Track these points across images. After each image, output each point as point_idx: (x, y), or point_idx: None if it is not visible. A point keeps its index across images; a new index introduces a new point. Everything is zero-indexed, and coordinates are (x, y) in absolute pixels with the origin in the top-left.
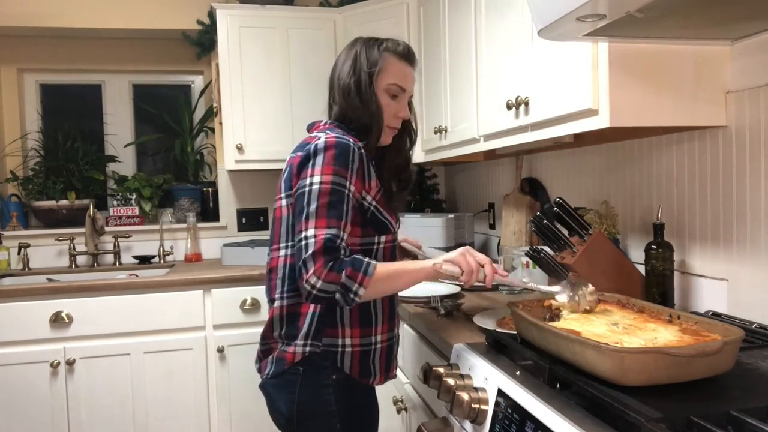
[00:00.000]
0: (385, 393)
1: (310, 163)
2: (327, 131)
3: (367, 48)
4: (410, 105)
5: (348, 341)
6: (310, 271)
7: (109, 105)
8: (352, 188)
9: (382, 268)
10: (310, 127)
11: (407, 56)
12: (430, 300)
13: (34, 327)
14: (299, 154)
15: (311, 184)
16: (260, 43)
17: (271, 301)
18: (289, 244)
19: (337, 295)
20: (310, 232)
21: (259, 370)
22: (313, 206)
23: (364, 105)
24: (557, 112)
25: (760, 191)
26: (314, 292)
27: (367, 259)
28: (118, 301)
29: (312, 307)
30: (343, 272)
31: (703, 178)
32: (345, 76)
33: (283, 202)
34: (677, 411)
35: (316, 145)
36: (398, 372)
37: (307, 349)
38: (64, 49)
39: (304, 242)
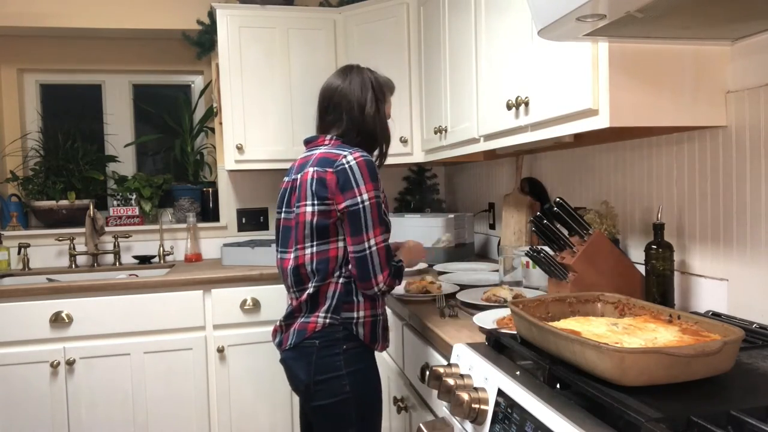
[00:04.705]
0: (385, 393)
1: (353, 182)
2: (343, 147)
3: (377, 80)
4: None
5: (362, 313)
6: (379, 278)
7: (109, 105)
8: (382, 197)
9: (404, 269)
10: (311, 141)
11: (394, 91)
12: (435, 299)
13: (34, 327)
14: (329, 170)
15: (362, 202)
16: (260, 43)
17: (302, 291)
18: (316, 242)
19: (387, 294)
20: (372, 242)
21: (280, 343)
22: (369, 219)
23: (384, 129)
24: (557, 112)
25: (760, 191)
26: (379, 293)
27: (402, 263)
28: (118, 301)
29: (333, 287)
30: (396, 281)
31: (703, 178)
32: (366, 101)
33: (309, 209)
34: (677, 411)
35: (349, 164)
36: (398, 371)
37: (327, 320)
38: (64, 49)
39: (368, 251)
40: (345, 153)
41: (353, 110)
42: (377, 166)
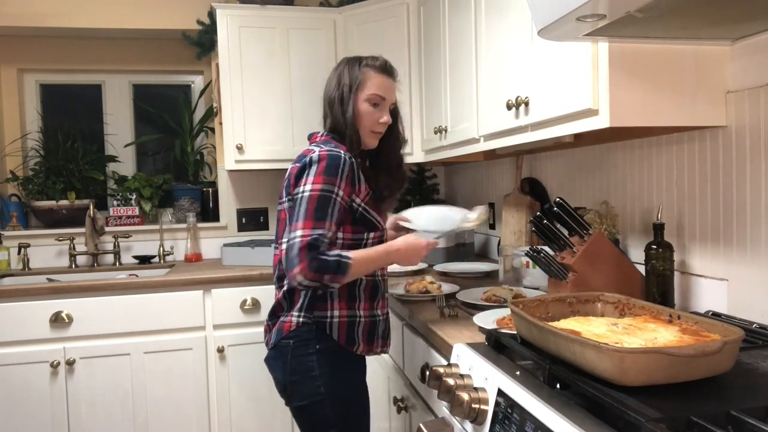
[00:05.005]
0: (385, 393)
1: (305, 174)
2: (321, 144)
3: (350, 66)
4: (396, 113)
5: (336, 313)
6: (295, 270)
7: (109, 105)
8: (341, 193)
9: (356, 263)
10: (310, 137)
11: (384, 69)
12: (435, 299)
13: (34, 327)
14: (297, 165)
15: (302, 192)
16: (260, 43)
17: (281, 287)
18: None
19: (319, 292)
20: (298, 233)
21: (266, 343)
22: (302, 210)
23: (343, 114)
24: (557, 112)
25: (760, 191)
26: (299, 287)
27: (344, 258)
28: (118, 301)
29: None
30: (325, 276)
31: (703, 178)
32: (331, 90)
33: (285, 205)
34: (677, 411)
35: (310, 158)
36: (398, 371)
37: (301, 319)
38: (64, 49)
39: (291, 242)
40: (316, 149)
41: (326, 105)
42: (355, 164)
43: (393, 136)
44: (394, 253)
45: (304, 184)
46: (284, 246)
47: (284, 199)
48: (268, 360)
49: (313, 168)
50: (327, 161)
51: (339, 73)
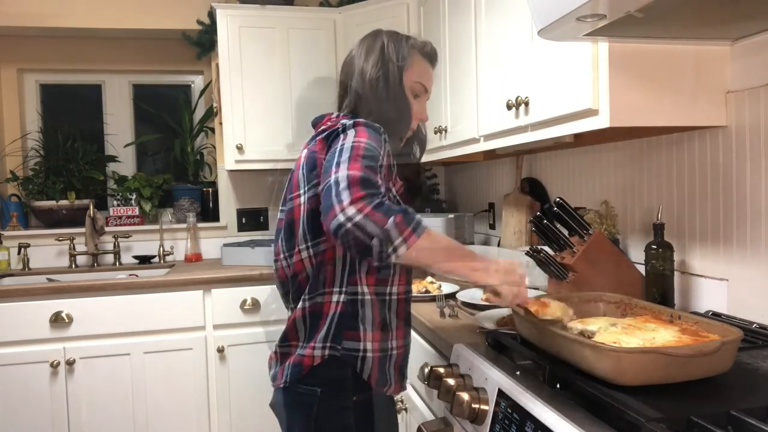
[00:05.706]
0: None
1: (341, 137)
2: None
3: (395, 41)
4: None
5: (369, 345)
6: (346, 202)
7: (109, 105)
8: (384, 163)
9: (435, 234)
10: (318, 121)
11: (431, 56)
12: (435, 299)
13: (34, 327)
14: (319, 138)
15: (343, 144)
16: (260, 43)
17: (294, 302)
18: (311, 243)
19: (374, 241)
20: (342, 173)
21: (274, 378)
22: (345, 156)
23: (393, 99)
24: (557, 112)
25: (760, 191)
26: (348, 225)
27: (418, 215)
28: (118, 301)
29: (333, 307)
30: (392, 218)
31: (703, 178)
32: (370, 67)
33: (303, 199)
34: (677, 411)
35: (344, 124)
36: None
37: (326, 352)
38: (64, 49)
39: (333, 181)
40: (343, 121)
41: (355, 80)
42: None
43: (415, 140)
44: (482, 262)
45: (344, 140)
46: (321, 191)
47: (302, 190)
48: (277, 407)
49: (352, 131)
50: (367, 127)
51: (381, 46)
